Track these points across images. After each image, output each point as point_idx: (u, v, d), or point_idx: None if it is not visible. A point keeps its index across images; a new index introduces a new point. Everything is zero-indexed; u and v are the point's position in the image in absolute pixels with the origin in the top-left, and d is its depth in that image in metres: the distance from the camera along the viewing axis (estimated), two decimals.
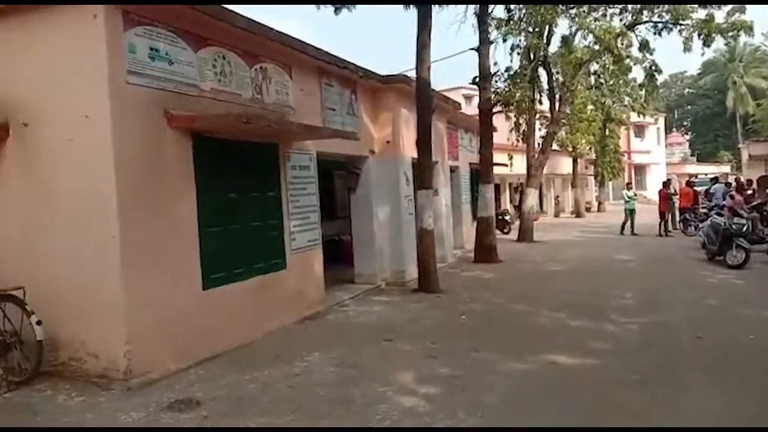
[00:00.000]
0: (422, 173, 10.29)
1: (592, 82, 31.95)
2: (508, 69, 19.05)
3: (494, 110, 14.65)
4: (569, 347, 6.42)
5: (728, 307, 8.31)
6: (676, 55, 67.89)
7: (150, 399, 5.01)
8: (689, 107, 70.94)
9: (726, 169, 52.68)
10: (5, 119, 5.93)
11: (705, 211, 17.12)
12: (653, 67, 21.05)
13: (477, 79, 14.37)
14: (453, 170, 16.54)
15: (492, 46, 14.78)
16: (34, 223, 5.82)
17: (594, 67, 31.23)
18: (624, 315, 8.03)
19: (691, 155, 63.35)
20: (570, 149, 31.65)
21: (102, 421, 4.61)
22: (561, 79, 20.13)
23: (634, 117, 38.98)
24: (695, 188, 21.51)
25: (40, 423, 4.62)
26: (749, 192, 17.37)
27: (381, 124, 11.10)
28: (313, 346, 6.70)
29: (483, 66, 14.29)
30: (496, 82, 17.13)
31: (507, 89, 14.15)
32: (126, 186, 5.48)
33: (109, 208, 5.37)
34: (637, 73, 27.88)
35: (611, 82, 32.64)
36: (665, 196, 19.96)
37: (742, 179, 23.73)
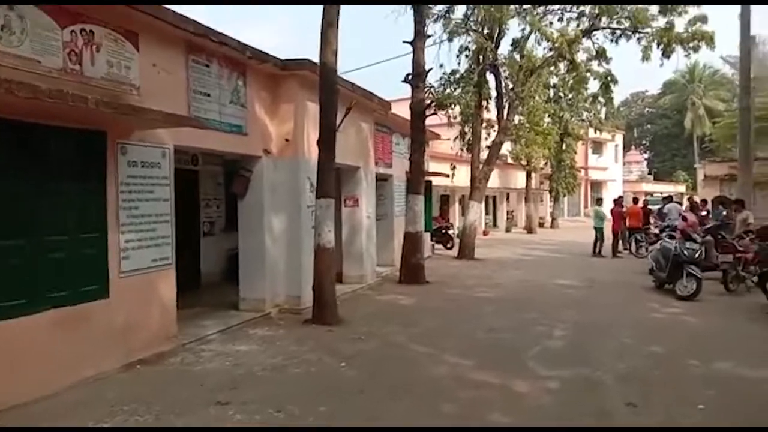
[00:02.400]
0: (322, 179, 8.52)
1: (551, 95, 31.09)
2: (454, 72, 17.64)
3: (427, 112, 12.96)
4: (456, 419, 4.71)
5: (674, 357, 6.74)
6: (638, 75, 68.05)
7: None
8: (649, 126, 71.20)
9: (682, 188, 52.58)
10: None
11: (657, 231, 15.79)
12: (609, 77, 19.86)
13: (410, 77, 12.71)
14: (385, 179, 14.94)
15: (437, 47, 13.25)
16: None
17: (553, 80, 30.57)
18: (545, 365, 6.39)
19: (649, 174, 63.47)
20: (524, 163, 30.43)
21: None
22: (510, 85, 18.66)
23: (592, 133, 38.22)
24: (648, 207, 20.35)
25: None
26: (703, 213, 16.20)
27: (281, 118, 9.30)
28: (113, 412, 4.84)
29: (417, 62, 12.65)
30: (443, 83, 15.44)
31: (442, 89, 12.49)
32: None
33: None
34: (595, 87, 27.01)
35: (570, 96, 31.83)
36: (618, 214, 18.66)
37: (696, 199, 22.80)
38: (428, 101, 12.74)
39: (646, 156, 70.94)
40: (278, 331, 7.99)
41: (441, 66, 12.86)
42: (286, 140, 9.19)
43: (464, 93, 17.31)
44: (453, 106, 14.73)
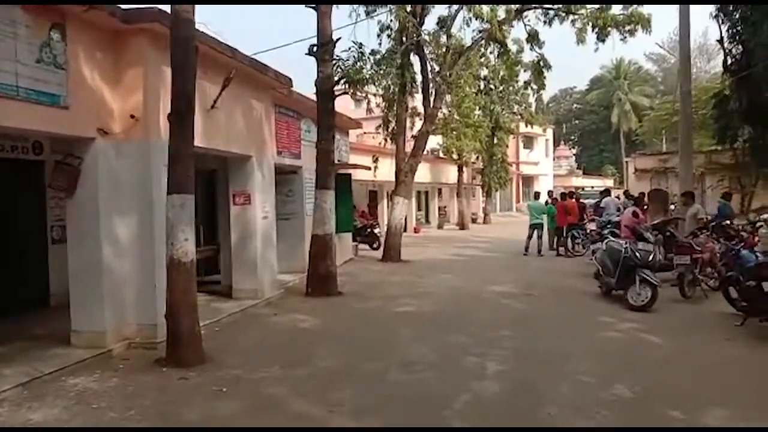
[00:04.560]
0: (175, 168, 6.25)
1: (481, 86, 29.81)
2: (374, 52, 15.61)
3: (337, 91, 10.87)
4: None
5: (647, 404, 4.92)
6: (566, 71, 68.60)
7: None
8: (577, 122, 72.07)
9: (609, 182, 52.90)
10: None
11: (597, 229, 14.31)
12: (542, 62, 18.42)
13: (314, 49, 10.55)
14: (294, 171, 12.78)
15: (353, 27, 11.22)
16: None
17: (483, 72, 29.22)
18: (476, 426, 4.44)
19: (578, 168, 63.96)
20: (455, 156, 28.88)
21: None
22: (437, 68, 16.83)
23: (523, 128, 37.32)
24: (581, 201, 19.04)
25: None
26: (646, 208, 14.89)
27: (125, 88, 6.95)
28: None
29: (323, 30, 10.51)
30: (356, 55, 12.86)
31: (353, 63, 10.41)
32: None
33: None
34: (526, 78, 25.88)
35: (501, 89, 30.66)
36: (563, 208, 17.07)
37: (630, 192, 21.83)
38: (337, 77, 10.61)
39: (574, 151, 71.65)
40: (110, 381, 5.67)
41: (361, 45, 10.71)
42: (132, 117, 6.85)
43: (386, 75, 15.36)
44: (369, 84, 12.59)
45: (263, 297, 9.70)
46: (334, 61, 10.52)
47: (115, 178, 6.82)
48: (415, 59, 16.75)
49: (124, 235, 6.90)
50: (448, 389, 5.33)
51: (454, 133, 27.45)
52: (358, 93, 13.49)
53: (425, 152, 21.09)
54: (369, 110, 16.31)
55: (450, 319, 8.51)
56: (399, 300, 10.04)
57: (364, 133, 26.71)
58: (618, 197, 19.56)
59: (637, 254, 9.02)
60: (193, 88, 6.28)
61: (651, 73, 64.15)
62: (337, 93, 10.77)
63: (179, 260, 6.14)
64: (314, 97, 11.25)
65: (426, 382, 5.62)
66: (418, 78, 17.17)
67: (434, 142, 28.18)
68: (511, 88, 30.85)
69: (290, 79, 10.49)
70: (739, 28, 12.80)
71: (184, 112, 6.21)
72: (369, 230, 19.27)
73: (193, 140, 6.32)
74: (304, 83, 11.86)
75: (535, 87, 20.83)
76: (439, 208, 32.91)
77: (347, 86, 10.65)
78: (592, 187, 39.80)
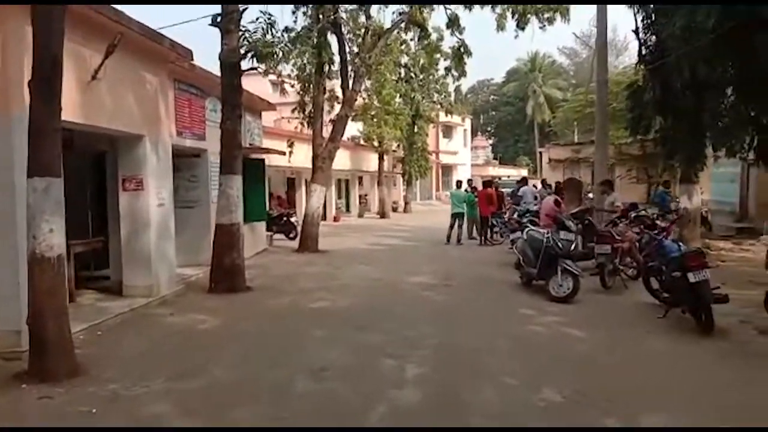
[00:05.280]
0: (37, 145, 5.20)
1: (402, 74, 29.52)
2: (288, 29, 14.72)
3: (246, 66, 9.92)
4: None
5: (579, 410, 4.50)
6: (484, 63, 69.86)
7: None
8: (493, 113, 73.59)
9: (524, 172, 54.25)
10: None
11: (516, 218, 14.15)
12: (462, 48, 18.09)
13: (218, 19, 9.55)
14: (197, 155, 11.75)
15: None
16: None
17: (404, 59, 28.88)
18: None
19: (494, 159, 65.32)
20: (376, 144, 28.35)
21: None
22: (356, 49, 16.12)
23: (442, 117, 37.32)
24: (499, 190, 18.96)
25: None
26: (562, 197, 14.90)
27: None
28: None
29: None
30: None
31: (263, 35, 9.46)
32: None
33: None
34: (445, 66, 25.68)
35: (421, 77, 30.50)
36: (486, 197, 16.75)
37: (546, 181, 22.16)
38: (244, 50, 9.65)
39: (491, 142, 73.15)
40: None
41: (269, 15, 9.57)
42: None
43: (301, 54, 14.49)
44: (282, 62, 11.63)
45: (158, 294, 8.67)
46: (240, 33, 9.55)
47: None
48: (333, 40, 15.99)
49: None
50: (362, 400, 4.70)
51: (375, 120, 26.97)
52: (271, 72, 12.51)
53: (346, 139, 20.38)
54: (283, 91, 15.33)
55: (367, 315, 7.89)
56: (313, 294, 9.33)
57: (282, 117, 25.63)
58: (535, 186, 19.70)
59: (559, 244, 8.76)
60: (60, 50, 5.24)
61: (564, 66, 66.38)
62: (244, 69, 9.81)
63: (42, 255, 5.12)
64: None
65: (338, 392, 4.95)
66: (336, 59, 16.42)
67: (355, 129, 27.52)
68: (431, 77, 30.78)
69: (190, 51, 9.42)
70: (653, 18, 12.84)
71: (49, 78, 5.16)
72: (285, 219, 18.31)
73: (60, 113, 5.27)
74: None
75: (455, 74, 20.43)
76: (360, 197, 32.32)
77: (255, 60, 9.68)
78: (509, 176, 40.56)
